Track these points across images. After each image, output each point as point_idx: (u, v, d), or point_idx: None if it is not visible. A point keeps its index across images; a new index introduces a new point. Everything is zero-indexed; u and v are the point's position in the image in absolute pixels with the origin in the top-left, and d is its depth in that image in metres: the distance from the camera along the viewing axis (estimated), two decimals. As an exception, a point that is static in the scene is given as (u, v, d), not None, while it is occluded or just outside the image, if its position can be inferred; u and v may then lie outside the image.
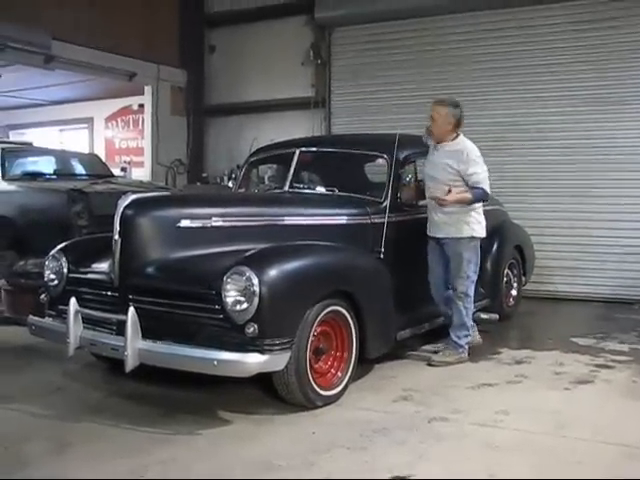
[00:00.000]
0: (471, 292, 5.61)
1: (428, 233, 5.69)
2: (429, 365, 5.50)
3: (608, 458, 3.74)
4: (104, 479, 3.29)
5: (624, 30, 8.42)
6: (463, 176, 5.43)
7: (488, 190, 5.51)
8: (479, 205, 5.59)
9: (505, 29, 9.08)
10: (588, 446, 3.90)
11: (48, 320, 4.95)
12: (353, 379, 4.80)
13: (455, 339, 5.61)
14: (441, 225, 5.56)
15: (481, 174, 5.45)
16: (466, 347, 5.65)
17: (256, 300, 3.99)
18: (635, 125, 8.43)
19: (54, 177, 8.97)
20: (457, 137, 5.57)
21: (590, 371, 5.44)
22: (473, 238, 5.55)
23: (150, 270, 4.44)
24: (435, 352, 5.71)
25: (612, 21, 8.48)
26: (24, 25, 8.55)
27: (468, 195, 5.42)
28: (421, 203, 5.90)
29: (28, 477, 3.46)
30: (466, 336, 5.64)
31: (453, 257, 5.55)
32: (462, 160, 5.43)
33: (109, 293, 4.57)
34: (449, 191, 5.42)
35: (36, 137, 13.24)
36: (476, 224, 5.57)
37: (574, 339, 6.47)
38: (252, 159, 6.77)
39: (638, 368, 5.52)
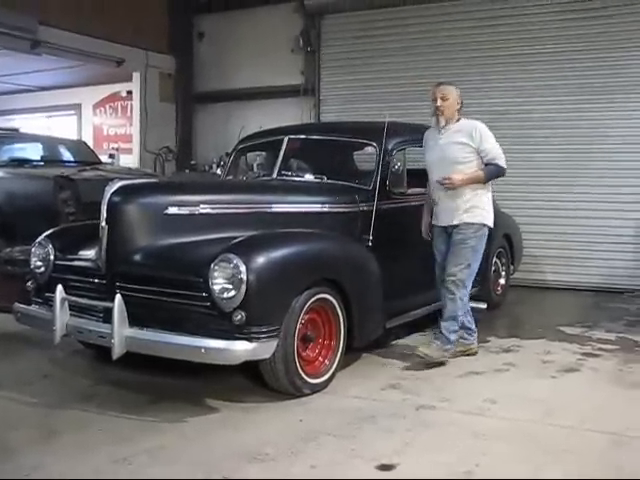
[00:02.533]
0: (469, 284, 5.35)
1: (434, 222, 5.49)
2: (416, 355, 5.21)
3: (595, 446, 3.75)
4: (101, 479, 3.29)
5: (613, 20, 8.43)
6: (479, 152, 5.26)
7: (504, 165, 5.32)
8: (490, 194, 5.45)
9: (495, 18, 9.06)
10: (575, 434, 3.91)
11: (34, 307, 4.95)
12: (341, 367, 4.80)
13: (445, 333, 5.27)
14: (451, 212, 5.30)
15: (495, 149, 5.29)
16: (454, 345, 5.33)
17: (243, 288, 3.98)
18: (623, 115, 8.44)
19: (41, 164, 8.91)
20: (460, 119, 5.41)
21: (577, 359, 5.46)
22: (484, 226, 5.34)
23: (137, 257, 4.41)
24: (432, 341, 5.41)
25: (602, 10, 8.49)
26: (10, 9, 8.46)
27: (480, 172, 5.26)
28: (410, 192, 5.91)
29: (16, 465, 3.44)
30: (455, 332, 5.30)
31: (458, 243, 5.27)
32: (475, 137, 5.26)
33: (96, 280, 4.55)
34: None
35: (23, 123, 13.14)
36: (488, 212, 5.38)
37: (562, 328, 6.49)
38: (240, 146, 6.74)
39: (624, 357, 5.55)
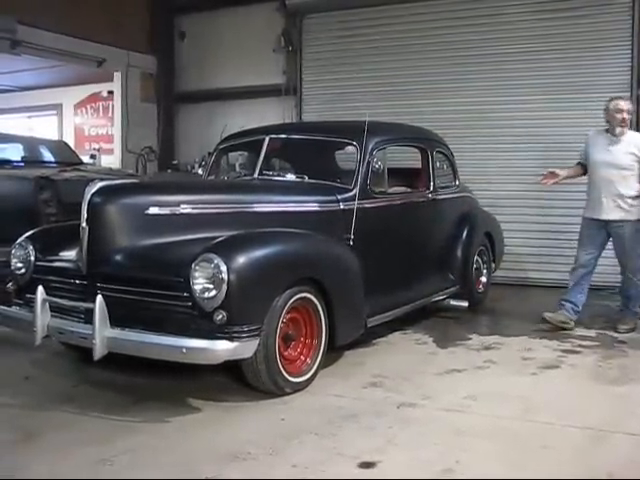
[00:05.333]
0: None
1: (590, 215, 6.37)
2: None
3: (574, 441, 3.80)
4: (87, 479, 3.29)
5: (587, 20, 8.51)
6: None
7: None
8: None
9: (475, 17, 9.07)
10: (554, 430, 3.95)
11: (15, 309, 4.91)
12: (323, 366, 4.81)
13: (632, 308, 6.39)
14: (615, 209, 6.19)
15: None
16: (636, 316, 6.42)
17: (224, 287, 3.98)
18: (599, 113, 8.47)
19: (22, 164, 8.84)
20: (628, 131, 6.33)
21: (557, 356, 5.51)
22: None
23: (118, 258, 4.41)
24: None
25: (576, 10, 8.56)
26: (-12, 9, 8.40)
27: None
28: (391, 190, 5.95)
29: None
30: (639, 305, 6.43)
31: (628, 238, 6.21)
32: None
33: (77, 281, 4.54)
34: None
35: (4, 123, 13.07)
36: None
37: (542, 325, 6.53)
38: (221, 146, 6.73)
39: (604, 353, 5.61)
